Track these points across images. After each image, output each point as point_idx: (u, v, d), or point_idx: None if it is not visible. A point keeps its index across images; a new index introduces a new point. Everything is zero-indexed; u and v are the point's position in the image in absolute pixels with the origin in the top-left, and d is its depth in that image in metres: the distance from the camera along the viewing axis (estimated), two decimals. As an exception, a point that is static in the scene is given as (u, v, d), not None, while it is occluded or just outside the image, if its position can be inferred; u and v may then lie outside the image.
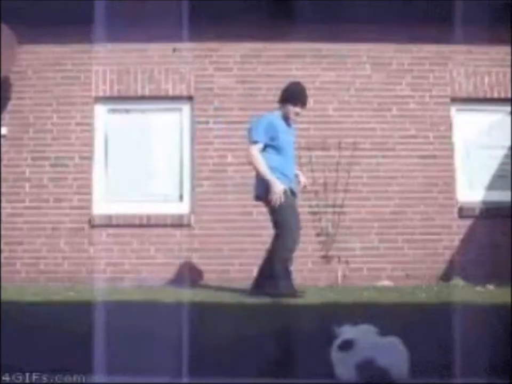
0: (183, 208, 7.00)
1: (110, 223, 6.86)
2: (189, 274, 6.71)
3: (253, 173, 6.80)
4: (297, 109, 5.54)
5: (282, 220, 5.26)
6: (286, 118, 5.54)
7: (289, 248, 5.25)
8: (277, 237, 5.28)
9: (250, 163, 5.42)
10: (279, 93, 5.61)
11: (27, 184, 6.91)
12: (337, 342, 2.78)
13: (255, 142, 5.34)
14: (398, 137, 7.05)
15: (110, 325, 3.22)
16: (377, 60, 7.14)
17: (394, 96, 7.09)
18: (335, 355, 2.77)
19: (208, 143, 7.01)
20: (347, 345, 2.73)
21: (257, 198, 5.50)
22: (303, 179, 5.71)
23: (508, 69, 7.01)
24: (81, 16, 6.05)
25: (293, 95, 5.54)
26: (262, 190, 5.35)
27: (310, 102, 6.93)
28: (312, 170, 6.80)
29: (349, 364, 2.70)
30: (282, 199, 5.20)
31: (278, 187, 5.22)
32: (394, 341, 2.77)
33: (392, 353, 2.71)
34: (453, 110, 7.16)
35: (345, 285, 6.61)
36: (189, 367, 2.89)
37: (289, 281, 5.20)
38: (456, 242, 6.89)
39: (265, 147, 5.36)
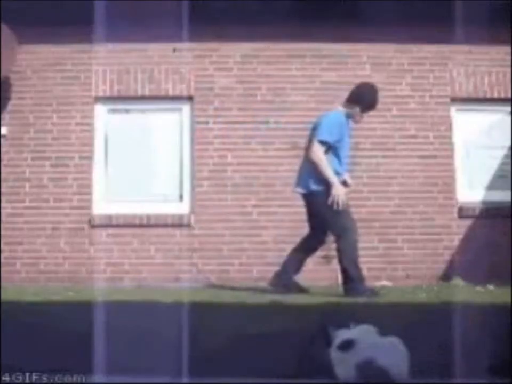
0: (183, 208, 7.00)
1: (110, 223, 6.86)
2: (189, 274, 6.71)
3: (254, 174, 6.86)
4: (365, 113, 5.45)
5: (342, 221, 5.25)
6: (349, 118, 5.43)
7: (354, 248, 5.25)
8: (339, 241, 5.28)
9: (312, 161, 5.28)
10: (349, 92, 5.45)
11: (27, 184, 6.91)
12: (337, 342, 2.78)
13: (323, 142, 5.26)
14: (398, 137, 7.05)
15: (110, 325, 3.21)
16: (377, 59, 7.14)
17: (394, 96, 7.09)
18: (335, 355, 2.76)
19: (208, 143, 7.01)
20: (347, 345, 2.72)
21: (303, 194, 5.42)
22: (348, 179, 5.68)
23: (508, 69, 7.02)
24: (81, 16, 6.04)
25: (365, 98, 5.38)
26: (316, 189, 5.29)
27: (310, 102, 7.00)
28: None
29: (349, 364, 2.70)
30: (344, 203, 5.19)
31: (341, 190, 5.20)
32: (394, 341, 2.76)
33: (392, 353, 2.71)
34: (453, 110, 7.16)
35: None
36: (189, 367, 2.89)
37: (363, 282, 5.24)
38: (456, 242, 6.89)
39: (329, 147, 5.31)
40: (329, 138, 5.23)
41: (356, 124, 5.58)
